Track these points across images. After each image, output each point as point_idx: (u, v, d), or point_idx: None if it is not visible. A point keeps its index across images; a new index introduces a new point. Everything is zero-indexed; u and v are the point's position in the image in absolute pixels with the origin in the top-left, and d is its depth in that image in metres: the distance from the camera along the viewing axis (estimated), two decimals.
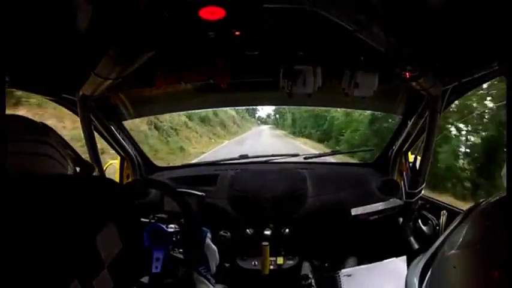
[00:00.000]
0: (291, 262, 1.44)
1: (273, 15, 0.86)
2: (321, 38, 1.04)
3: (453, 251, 0.36)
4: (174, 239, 1.00)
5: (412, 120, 1.45)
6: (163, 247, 0.96)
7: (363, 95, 1.15)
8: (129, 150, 1.64)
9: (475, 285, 0.32)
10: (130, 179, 1.67)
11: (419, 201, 1.40)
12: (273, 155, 1.83)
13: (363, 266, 1.29)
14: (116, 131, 1.55)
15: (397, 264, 1.25)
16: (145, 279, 1.00)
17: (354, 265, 1.41)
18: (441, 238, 0.41)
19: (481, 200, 0.39)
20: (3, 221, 0.32)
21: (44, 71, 0.99)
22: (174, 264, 0.98)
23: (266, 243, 1.34)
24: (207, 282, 0.89)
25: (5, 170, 0.35)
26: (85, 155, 1.33)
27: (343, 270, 1.26)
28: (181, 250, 1.01)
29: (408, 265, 1.24)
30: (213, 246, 0.98)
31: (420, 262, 0.42)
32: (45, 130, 0.45)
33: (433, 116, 1.23)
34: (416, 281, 0.41)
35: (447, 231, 0.41)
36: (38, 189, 0.37)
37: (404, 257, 1.24)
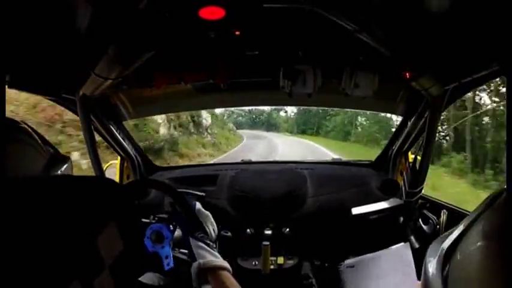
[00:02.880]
0: (291, 262, 1.44)
1: (273, 15, 0.86)
2: (321, 38, 1.04)
3: (481, 243, 0.34)
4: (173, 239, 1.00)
5: (412, 120, 1.45)
6: (165, 246, 0.96)
7: (363, 95, 1.15)
8: (129, 150, 1.64)
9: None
10: (130, 179, 1.67)
11: (420, 201, 1.40)
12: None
13: (366, 256, 1.22)
14: (116, 131, 1.55)
15: (402, 251, 1.17)
16: (144, 279, 1.00)
17: None
18: (465, 222, 0.39)
19: (503, 188, 0.38)
20: (3, 221, 0.32)
21: (43, 71, 0.99)
22: (175, 264, 0.98)
23: (266, 243, 1.34)
24: (206, 246, 0.83)
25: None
26: None
27: (345, 261, 1.21)
28: (182, 250, 1.01)
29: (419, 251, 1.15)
30: (205, 211, 0.95)
31: (440, 249, 0.41)
32: (18, 125, 0.46)
33: (433, 115, 1.23)
34: (436, 270, 0.39)
35: (471, 217, 0.39)
36: (37, 190, 0.37)
37: (408, 244, 1.17)
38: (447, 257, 0.38)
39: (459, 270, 0.36)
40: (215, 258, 0.82)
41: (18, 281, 0.31)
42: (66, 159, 0.56)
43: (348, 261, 1.21)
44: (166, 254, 0.93)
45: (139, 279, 0.96)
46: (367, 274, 1.18)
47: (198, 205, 0.93)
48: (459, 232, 0.39)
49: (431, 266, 0.40)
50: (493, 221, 0.35)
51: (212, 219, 0.94)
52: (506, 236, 0.32)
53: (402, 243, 1.19)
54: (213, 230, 0.93)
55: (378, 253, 1.20)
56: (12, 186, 0.35)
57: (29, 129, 0.49)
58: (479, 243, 0.34)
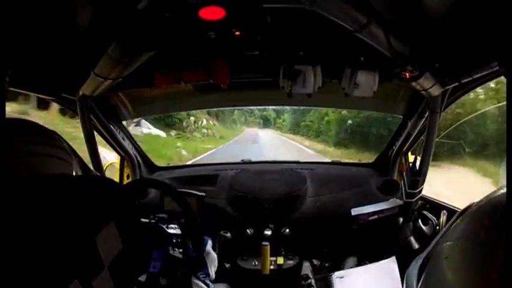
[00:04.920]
0: (291, 262, 1.44)
1: (273, 15, 0.86)
2: (321, 37, 1.04)
3: (446, 243, 0.35)
4: (174, 240, 1.00)
5: (412, 120, 1.45)
6: (163, 247, 0.97)
7: (362, 95, 1.15)
8: (129, 150, 1.64)
9: (467, 278, 0.31)
10: (130, 179, 1.67)
11: (419, 201, 1.40)
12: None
13: (355, 268, 1.31)
14: (116, 131, 1.55)
15: (389, 265, 1.26)
16: (143, 278, 1.00)
17: (353, 265, 1.41)
18: (438, 236, 0.40)
19: (479, 199, 0.38)
20: (3, 220, 0.32)
21: (43, 70, 0.99)
22: (173, 264, 0.98)
23: (266, 243, 1.34)
24: (205, 286, 0.90)
25: (11, 170, 0.36)
26: None
27: (336, 273, 1.27)
28: (180, 250, 1.01)
29: (407, 266, 1.23)
30: (213, 253, 1.00)
31: (418, 261, 0.41)
32: (56, 135, 0.47)
33: (433, 116, 1.23)
34: (414, 280, 0.40)
35: (443, 229, 0.40)
36: (37, 189, 0.37)
37: (394, 258, 1.25)
38: (423, 267, 0.39)
39: (431, 274, 0.36)
40: None
41: (18, 280, 0.31)
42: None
43: (338, 273, 1.27)
44: (156, 256, 0.95)
45: (139, 279, 0.96)
46: (355, 284, 1.24)
47: (209, 246, 0.99)
48: (435, 241, 0.40)
49: (412, 275, 0.41)
50: (464, 225, 0.36)
51: (216, 262, 1.01)
52: (477, 235, 0.32)
53: (389, 258, 1.26)
54: (214, 270, 1.00)
55: (366, 266, 1.28)
56: (11, 186, 0.35)
57: (66, 142, 0.49)
58: (446, 244, 0.35)
